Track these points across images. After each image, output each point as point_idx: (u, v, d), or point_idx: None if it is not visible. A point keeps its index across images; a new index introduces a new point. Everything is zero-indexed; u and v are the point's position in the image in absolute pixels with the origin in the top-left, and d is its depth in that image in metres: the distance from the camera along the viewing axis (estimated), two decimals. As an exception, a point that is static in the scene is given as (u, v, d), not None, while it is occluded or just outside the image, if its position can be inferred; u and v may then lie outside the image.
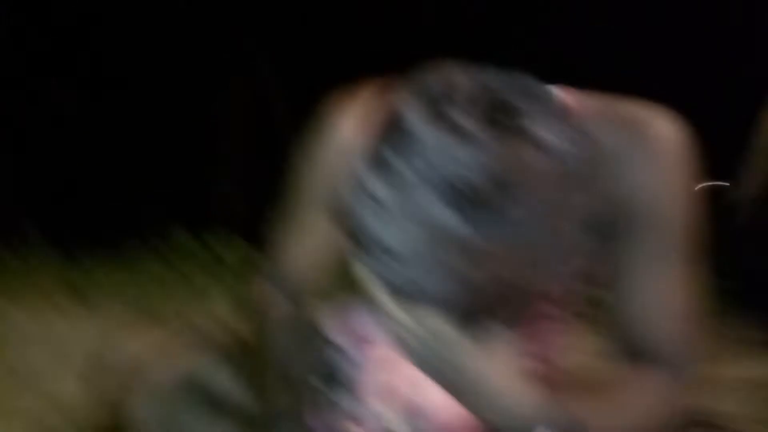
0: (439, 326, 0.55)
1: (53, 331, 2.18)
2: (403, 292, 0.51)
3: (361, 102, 0.76)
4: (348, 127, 0.75)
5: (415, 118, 0.49)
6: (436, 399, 0.76)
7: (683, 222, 0.70)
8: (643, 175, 0.69)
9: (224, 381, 0.86)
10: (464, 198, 0.47)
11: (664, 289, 0.70)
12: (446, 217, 0.48)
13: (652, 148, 0.69)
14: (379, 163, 0.50)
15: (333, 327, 0.87)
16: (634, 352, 0.70)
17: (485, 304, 0.51)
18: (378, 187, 0.49)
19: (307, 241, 0.82)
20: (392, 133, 0.50)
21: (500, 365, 0.59)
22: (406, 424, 0.78)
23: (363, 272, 0.55)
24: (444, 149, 0.47)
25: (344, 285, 0.87)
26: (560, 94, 0.72)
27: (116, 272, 2.91)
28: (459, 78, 0.51)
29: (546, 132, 0.49)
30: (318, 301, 0.87)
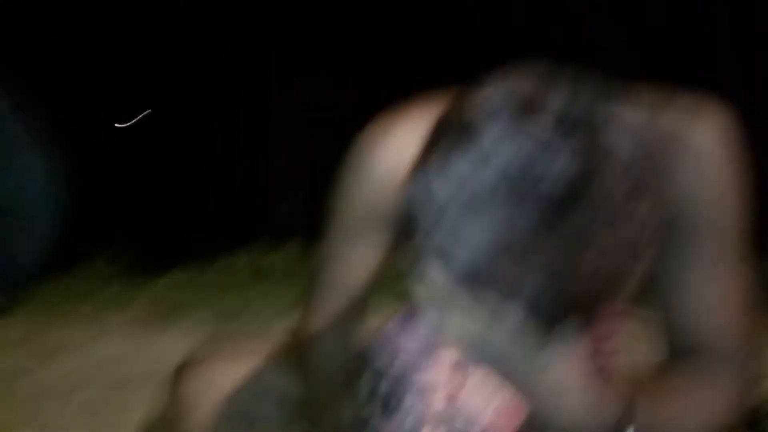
0: (505, 324, 0.55)
1: (145, 348, 2.27)
2: (485, 290, 0.52)
3: (409, 121, 0.77)
4: (399, 145, 0.76)
5: (485, 124, 0.50)
6: (487, 418, 0.77)
7: (731, 223, 0.71)
8: (689, 184, 0.70)
9: (271, 398, 0.87)
10: (535, 206, 0.48)
11: (716, 289, 0.70)
12: (529, 216, 0.48)
13: (695, 156, 0.70)
14: (452, 168, 0.50)
15: (382, 352, 0.89)
16: (691, 351, 0.70)
17: (565, 303, 0.52)
18: (456, 190, 0.50)
19: (350, 268, 0.84)
20: (462, 138, 0.50)
21: (568, 367, 0.59)
22: None
23: (436, 277, 0.54)
24: (515, 155, 0.48)
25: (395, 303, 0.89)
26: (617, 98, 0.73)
27: (198, 288, 3.01)
28: (532, 85, 0.52)
29: (618, 141, 0.50)
30: (365, 320, 0.88)
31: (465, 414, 0.79)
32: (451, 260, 0.51)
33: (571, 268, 0.49)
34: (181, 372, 0.91)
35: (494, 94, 0.51)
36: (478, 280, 0.51)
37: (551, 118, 0.49)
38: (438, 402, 0.80)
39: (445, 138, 0.52)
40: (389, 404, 0.84)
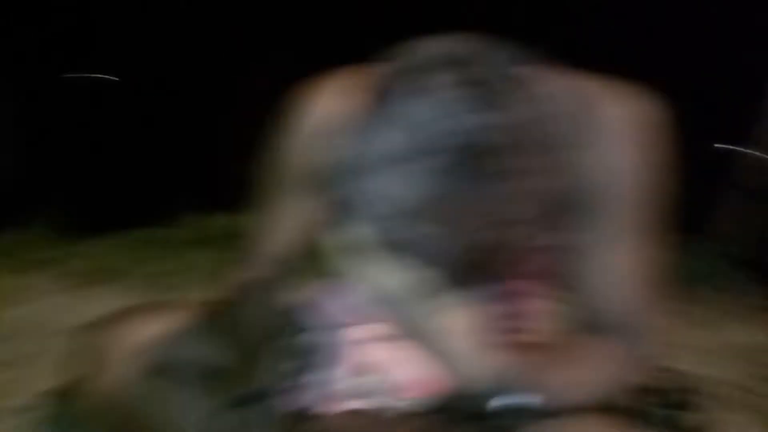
0: (414, 283, 0.58)
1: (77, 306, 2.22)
2: (392, 243, 0.55)
3: (336, 84, 0.78)
4: (325, 106, 0.77)
5: (402, 88, 0.52)
6: (405, 373, 0.79)
7: (639, 197, 0.74)
8: (599, 154, 0.73)
9: (190, 352, 0.87)
10: (458, 157, 0.51)
11: (621, 262, 0.73)
12: (435, 176, 0.51)
13: (607, 127, 0.73)
14: (384, 119, 0.53)
15: (307, 307, 0.90)
16: (595, 322, 0.73)
17: (469, 260, 0.54)
18: (380, 140, 0.52)
19: (283, 222, 0.85)
20: (378, 103, 0.53)
21: (466, 328, 0.62)
22: (376, 395, 0.81)
23: (348, 235, 0.57)
24: (446, 112, 0.51)
25: (318, 265, 0.89)
26: (534, 68, 0.75)
27: (116, 254, 2.96)
28: (463, 50, 0.55)
29: (518, 106, 0.53)
30: (293, 282, 0.89)
31: (384, 375, 0.81)
32: (366, 217, 0.53)
33: (473, 224, 0.52)
34: (100, 324, 0.90)
35: (409, 59, 0.53)
36: (389, 237, 0.54)
37: (461, 79, 0.51)
38: (359, 362, 0.81)
39: (365, 100, 0.54)
40: (312, 363, 0.85)
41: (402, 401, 0.78)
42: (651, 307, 0.76)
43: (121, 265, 2.83)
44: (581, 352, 0.72)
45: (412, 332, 0.63)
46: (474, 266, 0.56)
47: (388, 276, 0.59)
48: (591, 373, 0.71)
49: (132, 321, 0.90)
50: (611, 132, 0.73)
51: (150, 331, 0.87)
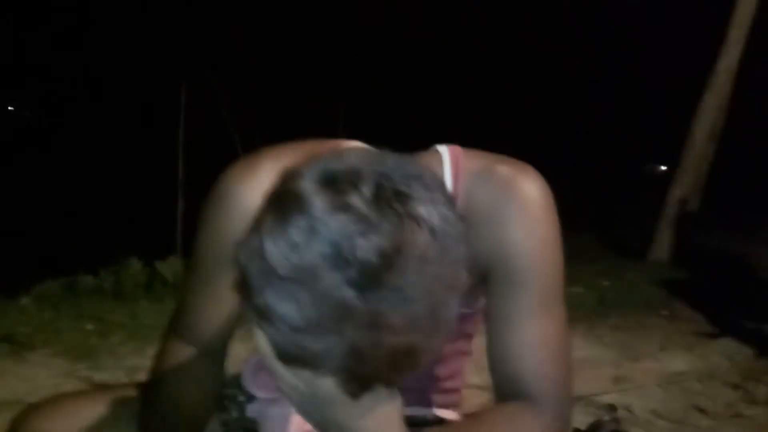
0: (324, 386, 0.58)
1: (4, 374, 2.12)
2: (293, 356, 0.54)
3: (264, 171, 0.78)
4: (251, 195, 0.77)
5: (315, 197, 0.52)
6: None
7: (550, 272, 0.78)
8: (513, 232, 0.77)
9: None
10: (355, 272, 0.51)
11: (537, 333, 0.76)
12: (338, 289, 0.51)
13: (521, 206, 0.77)
14: (276, 233, 0.53)
15: (247, 380, 0.90)
16: (515, 393, 0.75)
17: (374, 368, 0.54)
18: (275, 256, 0.52)
19: (210, 305, 0.85)
20: (291, 207, 0.53)
21: (382, 423, 0.62)
22: None
23: (257, 334, 0.57)
24: (340, 228, 0.51)
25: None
26: (448, 157, 0.81)
27: (60, 313, 2.84)
28: (358, 162, 0.55)
29: (428, 214, 0.54)
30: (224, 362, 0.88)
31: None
32: (269, 330, 0.54)
33: (374, 342, 0.52)
34: (25, 414, 0.88)
35: (326, 167, 0.55)
36: (289, 354, 0.54)
37: (370, 194, 0.53)
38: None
39: (279, 202, 0.55)
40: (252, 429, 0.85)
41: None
42: (567, 376, 0.78)
43: (65, 324, 2.73)
44: (504, 425, 0.74)
45: (324, 429, 0.64)
46: (383, 370, 0.56)
47: (291, 380, 0.60)
48: None
49: (65, 407, 0.88)
50: (523, 211, 0.78)
51: (83, 417, 0.86)
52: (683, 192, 5.15)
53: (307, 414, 0.63)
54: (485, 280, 0.78)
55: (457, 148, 0.83)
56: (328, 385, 0.58)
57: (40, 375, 2.13)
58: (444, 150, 0.83)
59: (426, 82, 10.03)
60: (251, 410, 0.88)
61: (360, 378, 0.56)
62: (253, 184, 0.79)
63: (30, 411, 0.88)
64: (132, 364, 2.30)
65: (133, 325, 2.69)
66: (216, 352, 0.87)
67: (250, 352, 0.89)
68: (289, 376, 0.59)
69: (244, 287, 0.55)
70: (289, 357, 0.55)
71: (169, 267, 3.66)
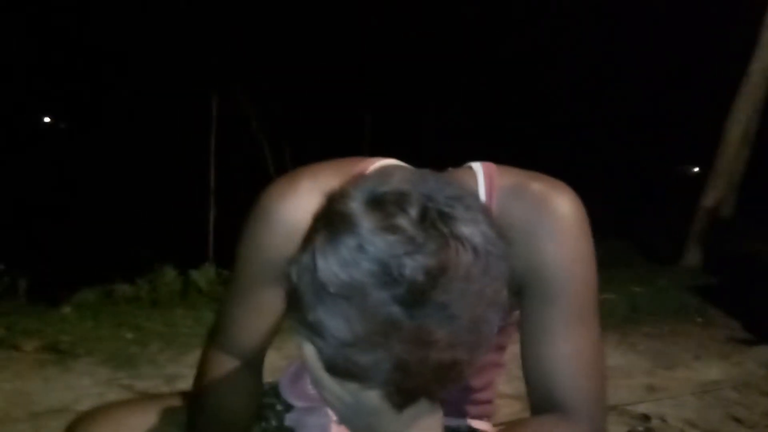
0: (369, 398, 0.60)
1: (25, 388, 2.17)
2: (342, 369, 0.57)
3: (304, 190, 0.82)
4: (291, 212, 0.81)
5: (363, 217, 0.55)
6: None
7: (584, 287, 0.79)
8: (548, 248, 0.78)
9: None
10: (402, 290, 0.53)
11: (572, 347, 0.78)
12: (386, 306, 0.53)
13: (555, 223, 0.79)
14: (327, 250, 0.55)
15: (285, 390, 0.93)
16: (551, 407, 0.77)
17: (419, 382, 0.57)
18: (325, 273, 0.55)
19: (250, 317, 0.88)
20: (341, 227, 0.56)
21: None
22: None
23: (305, 347, 0.60)
24: (388, 248, 0.54)
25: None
26: (482, 174, 0.83)
27: (99, 322, 2.91)
28: (403, 184, 0.58)
29: (471, 233, 0.56)
30: (262, 372, 0.91)
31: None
32: (319, 343, 0.57)
33: (420, 356, 0.55)
34: (78, 422, 0.92)
35: (373, 188, 0.58)
36: (337, 367, 0.57)
37: (416, 215, 0.56)
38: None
39: (329, 222, 0.58)
40: None
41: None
42: (601, 389, 0.80)
43: (105, 332, 2.80)
44: None
45: None
46: (428, 385, 0.58)
47: (337, 392, 0.62)
48: None
49: (114, 416, 0.92)
50: (557, 227, 0.79)
51: (132, 427, 0.89)
52: (716, 196, 5.05)
53: (350, 424, 0.65)
54: (519, 293, 0.80)
55: (491, 165, 0.85)
56: (373, 396, 0.60)
57: (84, 383, 2.19)
58: (478, 167, 0.85)
59: (454, 91, 10.03)
60: (289, 419, 0.91)
61: (405, 391, 0.58)
62: (294, 201, 0.82)
63: (81, 420, 0.92)
64: (171, 372, 2.36)
65: (170, 333, 2.75)
66: (256, 362, 0.90)
67: (284, 361, 0.92)
68: (335, 387, 0.62)
69: (295, 303, 0.58)
70: (338, 370, 0.58)
71: (203, 275, 3.74)
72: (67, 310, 3.02)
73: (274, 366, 0.94)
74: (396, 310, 0.53)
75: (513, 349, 0.85)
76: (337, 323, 0.54)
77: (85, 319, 2.91)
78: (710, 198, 5.09)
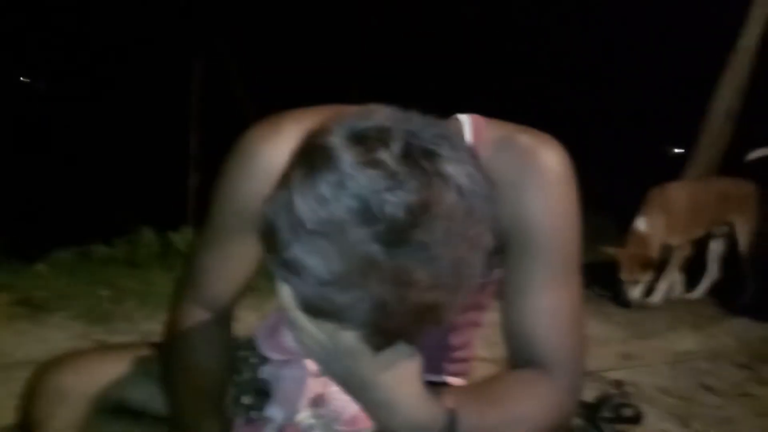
0: (347, 339, 0.60)
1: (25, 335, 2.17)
2: (319, 309, 0.55)
3: (287, 133, 0.79)
4: (273, 156, 0.78)
5: (344, 152, 0.53)
6: (352, 411, 0.82)
7: (567, 243, 0.78)
8: (532, 202, 0.77)
9: (142, 393, 0.89)
10: (382, 228, 0.51)
11: (552, 303, 0.76)
12: (365, 244, 0.52)
13: (541, 176, 0.77)
14: (305, 187, 0.53)
15: (261, 342, 0.92)
16: (529, 361, 0.76)
17: (397, 323, 0.55)
18: (303, 209, 0.53)
19: (222, 263, 0.85)
20: (320, 162, 0.53)
21: (402, 378, 0.64)
22: (334, 427, 0.83)
23: (281, 287, 0.59)
24: (369, 184, 0.52)
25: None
26: (469, 125, 0.81)
27: (74, 279, 2.89)
28: (387, 121, 0.56)
29: (456, 172, 0.54)
30: (232, 321, 0.89)
31: (332, 407, 0.83)
32: (296, 283, 0.55)
33: (399, 297, 0.53)
34: (48, 367, 0.90)
35: (355, 124, 0.55)
36: (314, 307, 0.56)
37: (399, 151, 0.53)
38: (317, 393, 0.83)
39: (308, 157, 0.55)
40: (273, 395, 0.86)
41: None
42: (580, 346, 0.79)
43: (80, 289, 2.77)
44: (517, 389, 0.75)
45: (344, 383, 0.66)
46: (406, 325, 0.57)
47: (314, 333, 0.61)
48: (528, 409, 0.73)
49: (85, 363, 0.90)
50: (542, 180, 0.77)
51: (102, 373, 0.88)
52: (699, 173, 5.09)
53: (327, 367, 0.64)
54: (502, 249, 0.78)
55: (478, 117, 0.83)
56: (351, 338, 0.59)
57: (56, 337, 2.16)
58: (465, 118, 0.82)
59: (446, 62, 9.94)
60: (265, 372, 0.90)
61: (383, 332, 0.57)
62: (276, 144, 0.79)
63: (48, 367, 0.90)
64: (146, 329, 2.34)
65: (146, 291, 2.73)
66: (226, 312, 0.88)
67: (260, 319, 0.91)
68: (312, 329, 0.61)
69: (271, 241, 0.55)
70: (315, 310, 0.56)
71: (182, 237, 3.70)
72: (41, 267, 2.97)
73: (254, 327, 0.92)
74: (375, 248, 0.52)
75: (493, 317, 0.84)
76: (314, 261, 0.53)
77: (60, 276, 2.88)
78: (691, 175, 5.13)
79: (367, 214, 0.51)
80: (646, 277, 3.44)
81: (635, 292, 3.45)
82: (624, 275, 3.43)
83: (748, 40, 4.89)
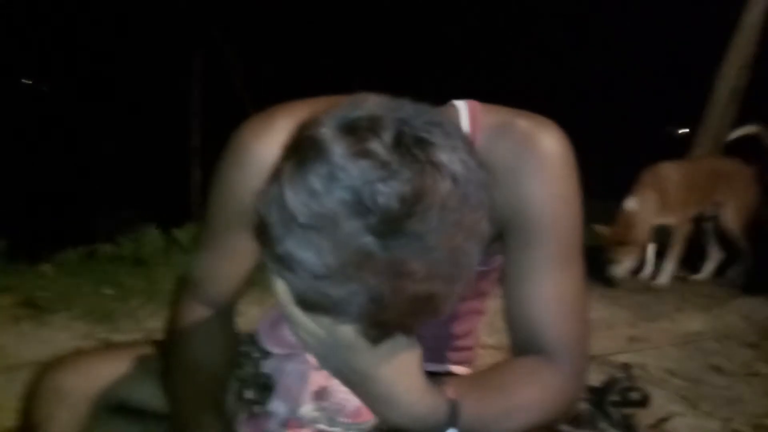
0: (344, 333, 0.59)
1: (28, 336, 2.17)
2: (314, 303, 0.55)
3: (279, 127, 0.78)
4: (266, 151, 0.77)
5: (334, 143, 0.52)
6: (354, 404, 0.81)
7: (568, 228, 0.77)
8: (532, 187, 0.75)
9: (144, 393, 0.88)
10: (376, 219, 0.50)
11: (555, 289, 0.75)
12: (358, 236, 0.51)
13: (540, 161, 0.75)
14: (296, 180, 0.52)
15: (263, 337, 0.91)
16: (532, 348, 0.75)
17: (394, 315, 0.55)
18: (295, 203, 0.52)
19: (222, 260, 0.85)
20: (310, 154, 0.52)
21: (402, 370, 0.63)
22: (337, 420, 0.83)
23: (276, 282, 0.58)
24: (361, 175, 0.51)
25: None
26: (466, 111, 0.79)
27: (79, 279, 2.89)
28: (378, 109, 0.55)
29: (449, 160, 0.53)
30: (235, 316, 0.89)
31: (335, 399, 0.83)
32: (290, 277, 0.54)
33: (395, 288, 0.52)
34: (48, 367, 0.90)
35: (345, 114, 0.54)
36: (309, 301, 0.55)
37: (391, 140, 0.52)
38: (319, 387, 0.83)
39: (298, 150, 0.54)
40: (275, 389, 0.86)
41: (360, 426, 0.80)
42: (583, 331, 0.78)
43: (85, 289, 2.76)
44: (520, 377, 0.74)
45: (344, 377, 0.65)
46: (403, 317, 0.56)
47: (311, 328, 0.61)
48: (532, 396, 0.73)
49: (86, 363, 0.90)
50: (542, 165, 0.76)
51: (103, 373, 0.88)
52: (703, 152, 5.05)
53: (326, 362, 0.63)
54: (503, 236, 0.77)
55: (475, 103, 0.81)
56: (348, 331, 0.58)
57: (60, 337, 2.17)
58: (461, 104, 0.81)
59: (443, 53, 9.89)
60: (267, 366, 0.89)
61: (380, 324, 0.56)
62: (268, 139, 0.78)
63: (51, 367, 0.90)
64: (151, 327, 2.34)
65: (151, 289, 2.72)
66: (228, 309, 0.88)
67: (264, 313, 0.90)
68: (308, 323, 0.60)
69: (264, 236, 0.55)
70: (310, 304, 0.55)
71: (186, 234, 3.71)
72: (46, 267, 2.98)
73: (256, 319, 0.91)
74: (369, 240, 0.51)
75: (497, 303, 0.83)
76: (307, 255, 0.52)
77: (65, 276, 2.88)
78: (696, 154, 5.09)
79: (359, 205, 0.50)
80: (630, 256, 3.45)
81: (618, 270, 3.46)
82: (608, 254, 3.44)
83: (753, 17, 4.83)
